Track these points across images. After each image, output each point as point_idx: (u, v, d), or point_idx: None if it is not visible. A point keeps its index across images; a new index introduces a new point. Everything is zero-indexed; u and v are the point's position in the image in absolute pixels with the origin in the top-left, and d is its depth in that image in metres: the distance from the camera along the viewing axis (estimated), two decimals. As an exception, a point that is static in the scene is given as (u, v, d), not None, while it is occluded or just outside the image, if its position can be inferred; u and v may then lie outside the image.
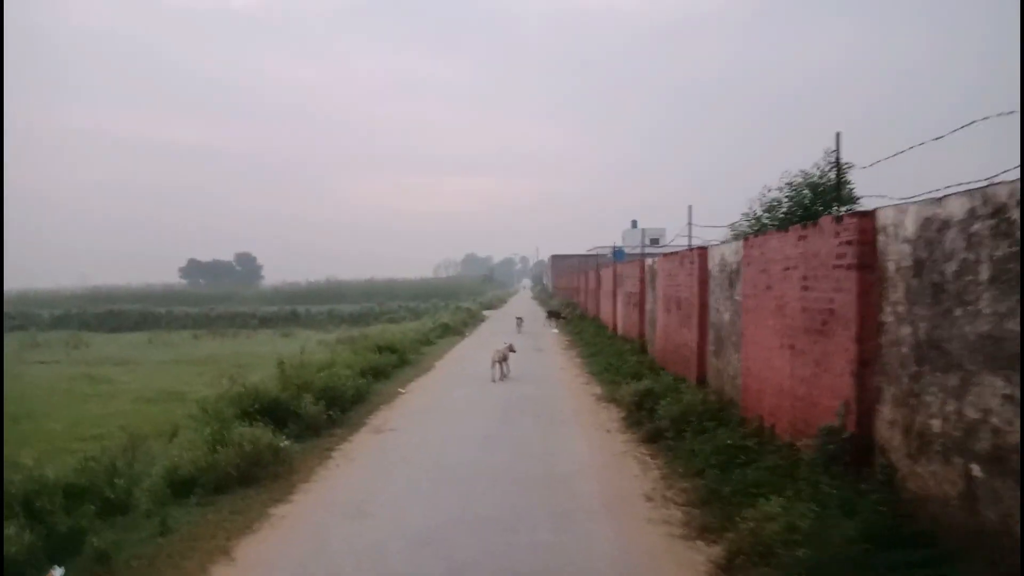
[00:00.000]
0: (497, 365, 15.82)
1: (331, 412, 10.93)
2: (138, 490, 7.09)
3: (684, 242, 13.49)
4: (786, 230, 7.99)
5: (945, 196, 5.09)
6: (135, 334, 42.20)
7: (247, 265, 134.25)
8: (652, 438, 9.37)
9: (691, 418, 9.10)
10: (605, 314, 28.32)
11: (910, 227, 5.48)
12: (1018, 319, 4.27)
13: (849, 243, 6.22)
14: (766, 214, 14.66)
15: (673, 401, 9.92)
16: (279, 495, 7.35)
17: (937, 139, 5.31)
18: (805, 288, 7.25)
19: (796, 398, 7.43)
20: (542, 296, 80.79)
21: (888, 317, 5.77)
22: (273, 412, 9.76)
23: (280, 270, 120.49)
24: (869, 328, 6.02)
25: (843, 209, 8.03)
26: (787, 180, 14.19)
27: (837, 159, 6.98)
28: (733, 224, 15.58)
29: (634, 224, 63.88)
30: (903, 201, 5.75)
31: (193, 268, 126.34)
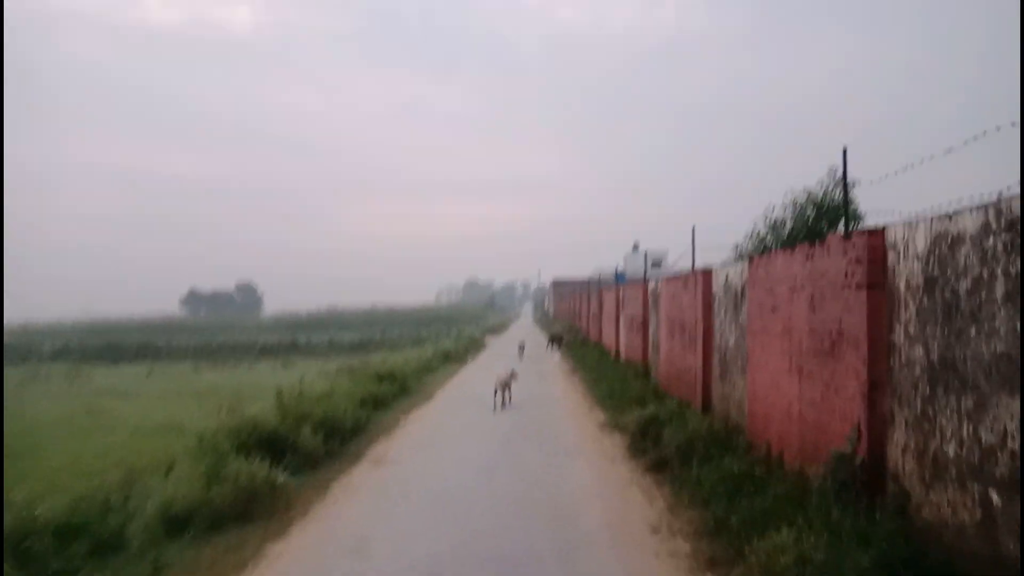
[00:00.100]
0: (499, 393, 15.62)
1: (330, 444, 10.73)
2: (132, 527, 6.88)
3: (686, 263, 13.35)
4: (792, 249, 7.86)
5: (957, 211, 4.95)
6: (135, 366, 41.98)
7: (248, 295, 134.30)
8: (657, 466, 9.17)
9: (697, 445, 8.89)
10: (607, 338, 28.12)
11: (921, 244, 5.34)
12: (1036, 339, 4.12)
13: (858, 261, 6.08)
14: (770, 233, 14.55)
15: (678, 428, 9.71)
16: (276, 531, 7.14)
17: (948, 152, 5.17)
18: (813, 309, 7.10)
19: (805, 423, 7.24)
20: (544, 321, 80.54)
21: (899, 337, 5.61)
22: (271, 444, 9.57)
23: (281, 299, 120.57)
24: (880, 349, 5.85)
25: (849, 227, 7.88)
26: (790, 198, 14.12)
27: (844, 175, 6.84)
28: (737, 244, 15.47)
29: (635, 247, 63.91)
30: (912, 217, 5.62)
31: (193, 298, 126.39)
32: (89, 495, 7.37)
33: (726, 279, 10.73)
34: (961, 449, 4.78)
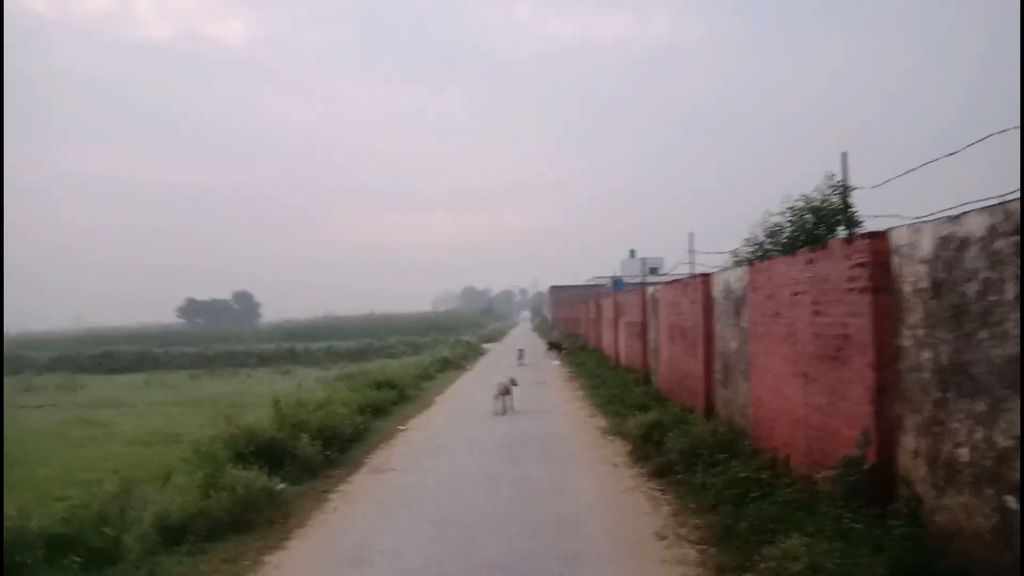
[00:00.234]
0: (500, 399, 15.54)
1: (328, 452, 10.61)
2: (127, 538, 6.76)
3: (684, 270, 13.30)
4: (793, 254, 7.79)
5: (963, 213, 4.88)
6: (132, 375, 41.77)
7: (245, 303, 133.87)
8: (661, 472, 9.06)
9: (701, 451, 8.80)
10: (607, 344, 28.04)
11: (926, 247, 5.27)
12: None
13: (862, 265, 6.01)
14: (768, 239, 14.50)
15: (681, 433, 9.62)
16: (274, 541, 7.02)
17: (952, 155, 5.12)
18: (816, 313, 7.02)
19: (811, 428, 7.16)
20: (542, 327, 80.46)
21: (906, 341, 5.53)
22: (269, 453, 9.47)
23: (279, 308, 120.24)
24: (887, 353, 5.77)
25: (848, 232, 7.84)
26: (788, 204, 14.06)
27: (844, 180, 6.78)
28: (735, 250, 15.41)
29: (632, 253, 63.85)
30: (917, 220, 5.55)
31: (191, 307, 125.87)
32: (83, 505, 7.26)
33: (726, 284, 10.66)
34: (974, 454, 4.69)
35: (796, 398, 7.57)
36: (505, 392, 15.68)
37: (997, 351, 4.49)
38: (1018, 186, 4.39)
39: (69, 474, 11.82)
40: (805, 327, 7.32)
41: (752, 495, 6.98)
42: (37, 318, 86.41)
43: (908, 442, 5.52)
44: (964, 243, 4.83)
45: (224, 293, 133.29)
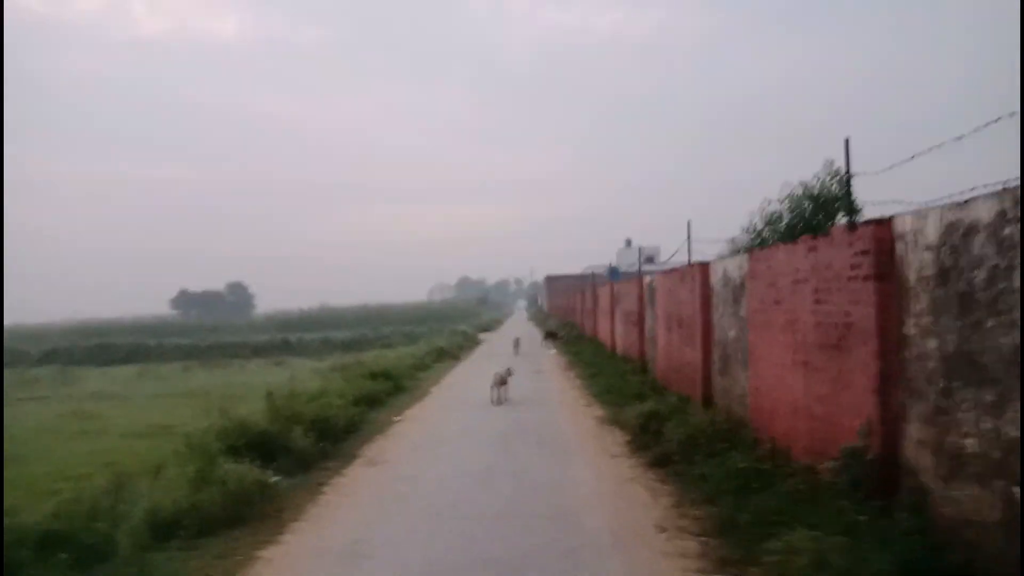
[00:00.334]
0: (496, 388, 15.45)
1: (323, 444, 10.49)
2: (118, 534, 6.63)
3: (681, 259, 13.16)
4: (794, 242, 7.67)
5: (970, 199, 4.77)
6: (125, 367, 41.55)
7: (239, 295, 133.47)
8: (660, 462, 8.97)
9: (700, 440, 8.72)
10: (603, 333, 27.97)
11: (932, 234, 5.15)
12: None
13: (865, 253, 5.90)
14: (767, 227, 14.39)
15: (680, 423, 9.53)
16: (267, 536, 6.89)
17: (959, 139, 4.99)
18: (818, 302, 6.91)
19: (813, 418, 7.06)
20: (538, 317, 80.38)
21: (911, 330, 5.43)
22: (261, 446, 9.33)
23: (273, 299, 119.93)
24: (891, 342, 5.67)
25: (849, 219, 7.70)
26: (787, 192, 13.96)
27: (847, 166, 6.64)
28: (733, 239, 15.32)
29: (628, 243, 63.73)
30: (921, 206, 5.43)
31: (184, 299, 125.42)
32: (74, 501, 7.13)
33: (724, 273, 10.54)
34: (982, 444, 4.59)
35: (797, 387, 7.47)
36: (502, 382, 15.59)
37: (1006, 340, 4.38)
38: (1018, 172, 4.27)
39: (63, 468, 11.68)
40: (806, 315, 7.22)
41: (753, 486, 6.91)
42: (31, 310, 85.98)
43: (913, 432, 5.43)
44: (971, 229, 4.72)
45: (218, 284, 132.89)
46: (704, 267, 11.69)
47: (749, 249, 11.76)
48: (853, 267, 6.16)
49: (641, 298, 18.25)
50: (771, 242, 13.12)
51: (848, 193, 7.36)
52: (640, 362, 18.17)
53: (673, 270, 14.09)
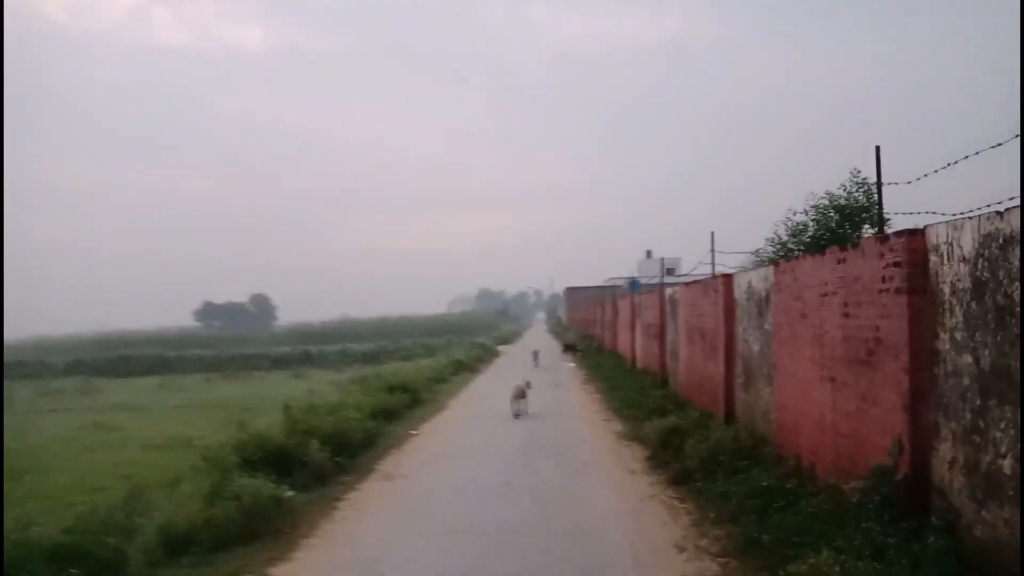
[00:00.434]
0: (516, 401, 15.34)
1: (339, 458, 10.40)
2: (131, 549, 6.57)
3: (703, 270, 12.98)
4: (822, 253, 7.48)
5: (1008, 209, 4.57)
6: (148, 379, 41.90)
7: (262, 306, 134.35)
8: (680, 479, 8.77)
9: (722, 457, 8.51)
10: (623, 346, 27.73)
11: (967, 245, 4.95)
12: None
13: (897, 265, 5.70)
14: (792, 238, 14.16)
15: (701, 439, 9.31)
16: (281, 553, 6.80)
17: (996, 146, 4.81)
18: (846, 315, 6.71)
19: (839, 435, 6.84)
20: (557, 329, 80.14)
21: (944, 345, 5.22)
22: (277, 460, 9.26)
23: (295, 311, 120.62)
24: (922, 357, 5.46)
25: (878, 230, 7.52)
26: (812, 203, 13.71)
27: (878, 175, 6.48)
28: (757, 250, 15.09)
29: (649, 254, 63.48)
30: (957, 217, 5.24)
31: (207, 311, 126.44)
32: (88, 515, 7.09)
33: (749, 284, 10.35)
34: (1019, 465, 4.38)
35: (823, 403, 7.25)
36: (521, 395, 15.47)
37: (1046, 356, 4.18)
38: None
39: (82, 480, 11.72)
40: (834, 329, 7.01)
41: (776, 505, 6.69)
42: (57, 321, 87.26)
43: (945, 451, 5.21)
44: (1009, 240, 4.52)
45: (241, 296, 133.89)
46: (728, 279, 11.49)
47: (773, 261, 11.55)
48: (884, 279, 5.96)
49: (662, 310, 18.04)
50: (796, 253, 12.89)
51: (880, 202, 7.16)
52: (660, 376, 17.93)
53: (695, 281, 13.90)
